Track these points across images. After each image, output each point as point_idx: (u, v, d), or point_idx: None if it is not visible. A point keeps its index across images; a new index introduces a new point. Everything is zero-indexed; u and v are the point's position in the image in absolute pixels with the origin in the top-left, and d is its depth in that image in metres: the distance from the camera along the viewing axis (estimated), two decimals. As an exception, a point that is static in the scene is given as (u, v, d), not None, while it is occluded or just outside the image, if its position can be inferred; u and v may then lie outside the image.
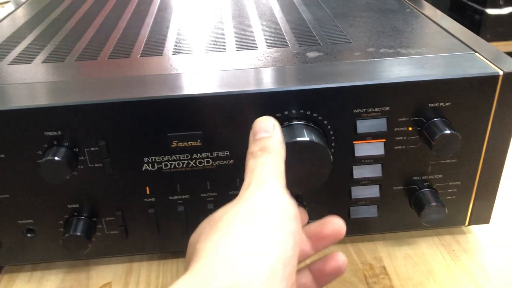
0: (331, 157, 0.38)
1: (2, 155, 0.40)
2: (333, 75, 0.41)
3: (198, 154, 0.41)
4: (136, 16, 0.60)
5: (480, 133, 0.42)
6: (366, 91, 0.40)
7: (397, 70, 0.41)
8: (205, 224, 0.29)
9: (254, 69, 0.43)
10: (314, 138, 0.38)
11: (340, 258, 0.34)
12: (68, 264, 0.48)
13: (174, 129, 0.40)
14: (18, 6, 0.67)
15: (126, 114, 0.39)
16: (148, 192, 0.43)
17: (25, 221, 0.43)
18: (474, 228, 0.50)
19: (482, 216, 0.47)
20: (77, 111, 0.38)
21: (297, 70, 0.43)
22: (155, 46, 0.50)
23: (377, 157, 0.43)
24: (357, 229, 0.47)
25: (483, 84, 0.40)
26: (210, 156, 0.41)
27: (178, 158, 0.41)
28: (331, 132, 0.41)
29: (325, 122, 0.40)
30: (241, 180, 0.31)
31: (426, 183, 0.45)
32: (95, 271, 0.47)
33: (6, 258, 0.46)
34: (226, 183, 0.43)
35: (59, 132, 0.39)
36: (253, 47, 0.48)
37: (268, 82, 0.41)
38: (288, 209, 0.28)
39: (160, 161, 0.41)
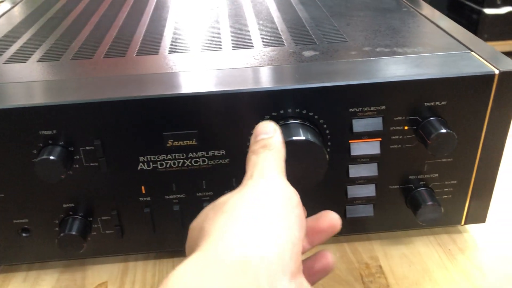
0: (327, 156, 0.38)
1: (-3, 154, 0.40)
2: (329, 74, 0.41)
3: (194, 153, 0.41)
4: (132, 15, 0.60)
5: (476, 132, 0.42)
6: (362, 90, 0.40)
7: (393, 69, 0.41)
8: (208, 210, 0.29)
9: (250, 68, 0.43)
10: (310, 137, 0.38)
11: (329, 256, 0.34)
12: (63, 263, 0.48)
13: (170, 128, 0.40)
14: (14, 4, 0.67)
15: (122, 113, 0.39)
16: (143, 192, 0.43)
17: (20, 220, 0.43)
18: (470, 227, 0.50)
19: (478, 215, 0.47)
20: (72, 110, 0.38)
21: (293, 69, 0.43)
22: (151, 45, 0.50)
23: (373, 156, 0.43)
24: (353, 228, 0.47)
25: (479, 83, 0.40)
26: (205, 155, 0.41)
27: (173, 157, 0.41)
28: (327, 131, 0.41)
29: (321, 121, 0.40)
30: (237, 180, 0.31)
31: (422, 182, 0.45)
32: (91, 270, 0.47)
33: (1, 258, 0.45)
34: (222, 182, 0.43)
35: (54, 131, 0.39)
36: (249, 46, 0.48)
37: (264, 81, 0.41)
38: (292, 196, 0.29)
39: (155, 160, 0.41)
